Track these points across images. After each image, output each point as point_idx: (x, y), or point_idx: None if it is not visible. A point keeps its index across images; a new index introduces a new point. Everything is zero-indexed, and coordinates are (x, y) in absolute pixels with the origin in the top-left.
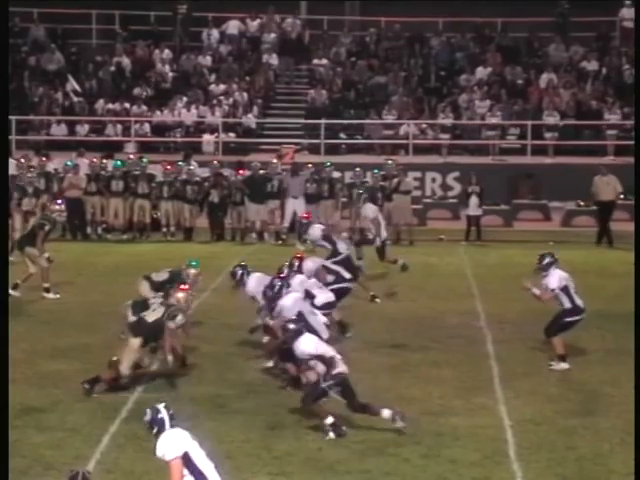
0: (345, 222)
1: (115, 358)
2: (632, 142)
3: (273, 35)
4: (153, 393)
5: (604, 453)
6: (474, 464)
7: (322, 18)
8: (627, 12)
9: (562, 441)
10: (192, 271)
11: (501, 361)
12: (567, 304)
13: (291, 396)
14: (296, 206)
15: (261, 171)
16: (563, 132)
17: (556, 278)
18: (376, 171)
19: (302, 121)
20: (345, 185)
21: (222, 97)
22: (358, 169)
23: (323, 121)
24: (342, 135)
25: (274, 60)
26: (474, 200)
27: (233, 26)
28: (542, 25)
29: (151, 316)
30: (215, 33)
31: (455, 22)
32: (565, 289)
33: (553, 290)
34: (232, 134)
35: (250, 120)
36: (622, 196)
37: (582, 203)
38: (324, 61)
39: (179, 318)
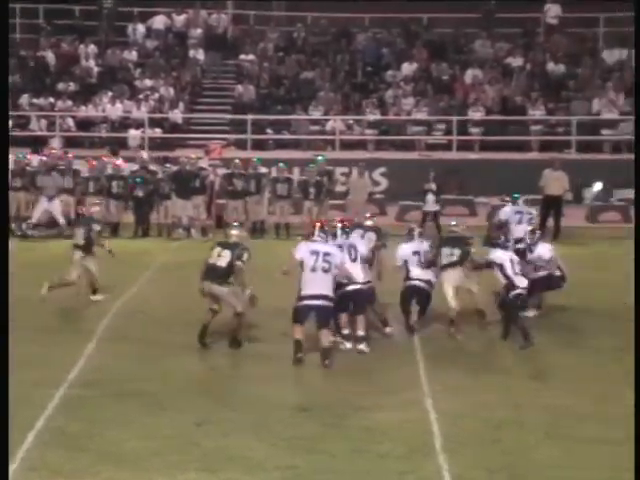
0: (271, 218)
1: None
2: (556, 137)
3: (200, 30)
4: (79, 389)
5: (529, 446)
6: (401, 458)
7: (249, 13)
8: (551, 8)
9: (488, 434)
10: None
11: (427, 355)
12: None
13: (220, 392)
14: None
15: (188, 167)
16: (488, 128)
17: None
18: (312, 165)
19: (229, 116)
20: (271, 180)
21: (148, 92)
22: (281, 164)
23: (250, 116)
24: (269, 130)
25: (201, 55)
26: (430, 197)
27: (159, 21)
28: (468, 21)
29: (221, 261)
30: (141, 28)
31: (381, 18)
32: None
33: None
34: (158, 129)
35: (176, 115)
36: (569, 193)
37: (507, 198)
38: (251, 56)
39: (245, 256)
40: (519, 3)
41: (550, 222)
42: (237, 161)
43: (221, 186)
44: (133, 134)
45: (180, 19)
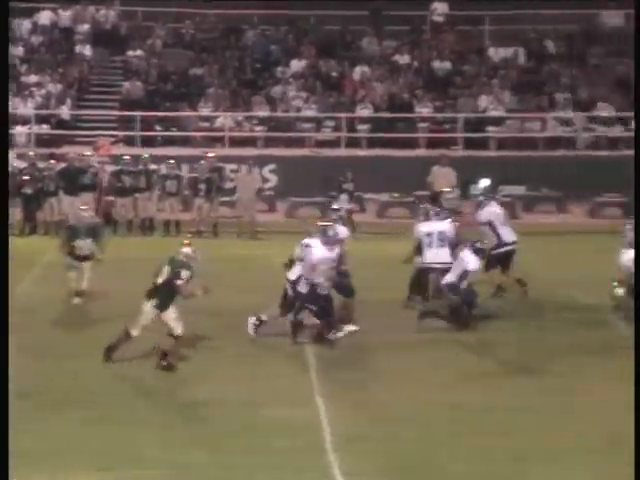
0: (160, 215)
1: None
2: (443, 134)
3: (87, 26)
4: None
5: (420, 441)
6: (292, 455)
7: (137, 9)
8: (438, 6)
9: (379, 431)
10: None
11: (319, 353)
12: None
13: (114, 391)
14: None
15: (76, 163)
16: (376, 124)
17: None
18: (202, 163)
19: (117, 113)
20: (160, 177)
21: (34, 88)
22: (172, 161)
23: (138, 113)
24: (158, 127)
25: (88, 51)
26: (344, 196)
27: (45, 16)
28: (355, 19)
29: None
30: (26, 23)
31: (270, 15)
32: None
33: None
34: (45, 126)
35: (64, 112)
36: (455, 190)
37: (396, 195)
38: (139, 52)
39: (184, 274)
40: (407, 1)
41: None
42: (126, 158)
43: (109, 183)
44: (19, 131)
45: (66, 14)
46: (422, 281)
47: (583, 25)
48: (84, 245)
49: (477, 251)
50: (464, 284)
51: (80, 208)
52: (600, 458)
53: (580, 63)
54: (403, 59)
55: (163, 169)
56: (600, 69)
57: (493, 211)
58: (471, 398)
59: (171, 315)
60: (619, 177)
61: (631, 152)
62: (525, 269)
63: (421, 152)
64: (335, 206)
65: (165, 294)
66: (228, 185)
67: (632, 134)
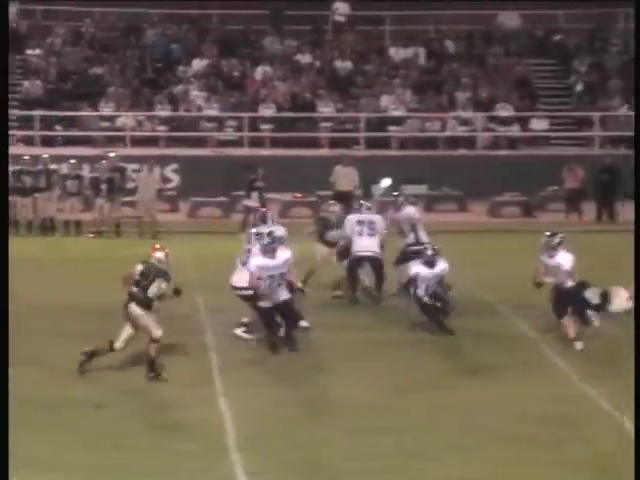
0: (61, 214)
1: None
2: (345, 134)
3: None
4: None
5: (323, 439)
6: (197, 455)
7: (35, 8)
8: (339, 6)
9: (281, 430)
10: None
11: (221, 352)
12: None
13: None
14: None
15: None
16: (279, 124)
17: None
18: (103, 163)
19: (16, 112)
20: (61, 177)
21: None
22: (73, 161)
23: (38, 112)
24: (58, 127)
25: None
26: (255, 194)
27: None
28: (257, 18)
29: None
30: None
31: (171, 14)
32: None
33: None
34: None
35: None
36: (358, 189)
37: (299, 194)
38: (38, 51)
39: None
40: (308, 1)
41: None
42: (26, 157)
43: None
44: None
45: None
46: (354, 271)
47: (482, 26)
48: None
49: (427, 262)
50: (421, 289)
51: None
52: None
53: (479, 63)
54: (305, 59)
55: (64, 169)
56: (499, 69)
57: (413, 213)
58: (366, 397)
59: (152, 318)
60: (518, 177)
61: (530, 152)
62: None
63: (324, 152)
64: (246, 203)
65: (143, 299)
66: (130, 185)
67: (530, 134)
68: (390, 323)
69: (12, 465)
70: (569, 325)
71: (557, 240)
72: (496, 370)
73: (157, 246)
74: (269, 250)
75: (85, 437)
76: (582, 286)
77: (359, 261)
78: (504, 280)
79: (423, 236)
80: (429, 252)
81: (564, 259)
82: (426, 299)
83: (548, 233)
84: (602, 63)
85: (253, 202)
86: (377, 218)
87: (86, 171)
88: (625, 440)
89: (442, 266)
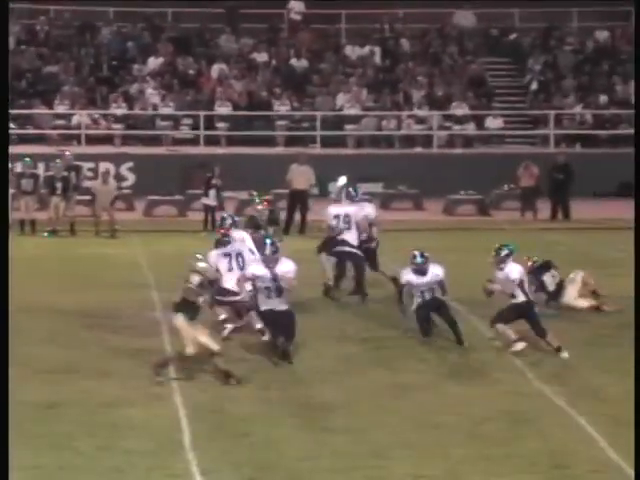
0: (16, 213)
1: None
2: (301, 132)
3: None
4: None
5: (278, 439)
6: (149, 454)
7: None
8: (295, 4)
9: (236, 428)
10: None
11: (176, 350)
12: (521, 297)
13: None
14: None
15: None
16: (235, 122)
17: (516, 270)
18: (58, 161)
19: None
20: (16, 175)
21: None
22: (28, 159)
23: None
24: (12, 125)
25: None
26: (213, 192)
27: None
28: (213, 16)
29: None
30: None
31: (126, 12)
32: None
33: (514, 281)
34: None
35: None
36: (315, 187)
37: (255, 193)
38: None
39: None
40: (263, 0)
41: (297, 216)
42: None
43: None
44: None
45: None
46: (340, 267)
47: (437, 24)
48: None
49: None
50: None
51: None
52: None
53: (435, 62)
54: (261, 57)
55: (18, 167)
56: (454, 68)
57: (370, 211)
58: (324, 397)
59: (204, 332)
60: (474, 175)
61: (484, 150)
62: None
63: (279, 150)
64: (204, 201)
65: (191, 309)
66: (85, 184)
67: (485, 132)
68: (348, 323)
69: None
70: (504, 330)
71: (504, 252)
72: (453, 369)
73: (199, 256)
74: (272, 260)
75: (32, 437)
76: (546, 266)
77: (339, 256)
78: (459, 278)
79: (375, 233)
80: (418, 260)
81: (512, 270)
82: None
83: (497, 246)
84: (556, 62)
85: (211, 200)
86: (353, 210)
87: (41, 170)
88: (577, 436)
89: (434, 273)
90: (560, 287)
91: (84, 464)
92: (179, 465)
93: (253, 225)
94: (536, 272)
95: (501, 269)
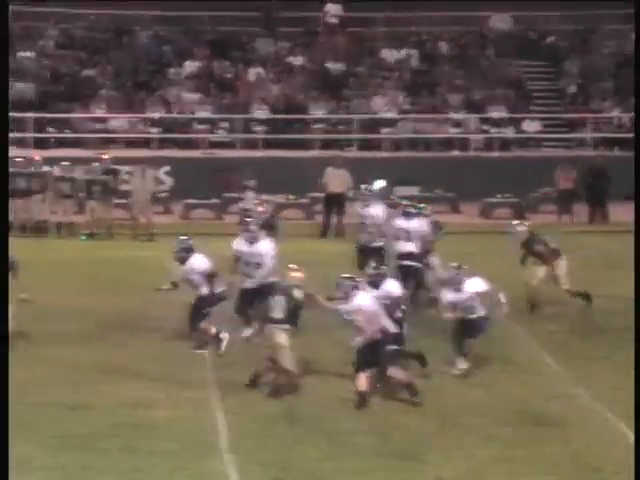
0: (54, 217)
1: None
2: (337, 135)
3: None
4: None
5: (301, 440)
6: (173, 455)
7: (28, 10)
8: (331, 8)
9: (269, 429)
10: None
11: (213, 353)
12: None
13: None
14: None
15: None
16: (271, 126)
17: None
18: (96, 165)
19: (9, 114)
20: (54, 179)
21: None
22: (66, 163)
23: (31, 114)
24: (50, 129)
25: None
26: (249, 194)
27: None
28: (249, 20)
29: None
30: None
31: (163, 16)
32: None
33: None
34: None
35: None
36: (351, 191)
37: (292, 196)
38: (30, 53)
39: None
40: (300, 2)
41: (333, 220)
42: (19, 160)
43: None
44: None
45: None
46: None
47: (474, 27)
48: None
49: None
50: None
51: None
52: None
53: (472, 65)
54: (297, 60)
55: (57, 171)
56: (492, 71)
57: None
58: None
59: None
60: (510, 178)
61: (521, 153)
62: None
63: (315, 153)
64: (241, 205)
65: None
66: (122, 187)
67: (522, 135)
68: None
69: None
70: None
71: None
72: (484, 370)
73: (293, 266)
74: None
75: (57, 437)
76: None
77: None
78: (497, 281)
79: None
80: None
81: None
82: None
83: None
84: (594, 65)
85: (248, 204)
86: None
87: (79, 173)
88: (603, 438)
89: (387, 289)
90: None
91: (108, 465)
92: (203, 466)
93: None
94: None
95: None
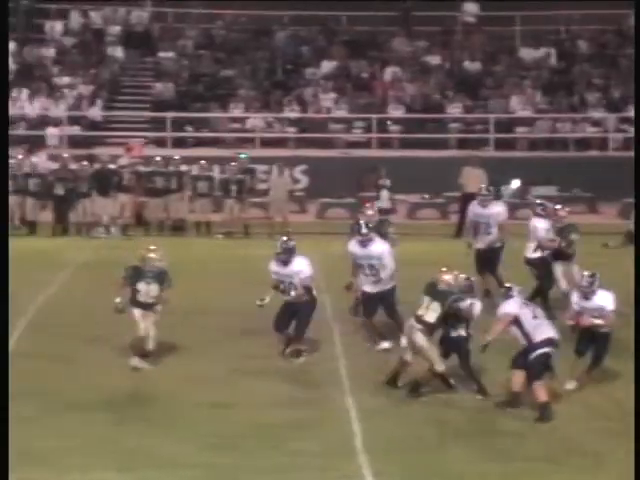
0: (191, 215)
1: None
2: (473, 135)
3: (118, 27)
4: None
5: (446, 442)
6: (318, 455)
7: (167, 11)
8: (469, 7)
9: (407, 431)
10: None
11: (348, 354)
12: None
13: (137, 392)
14: None
15: (111, 165)
16: (407, 125)
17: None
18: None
19: (148, 114)
20: (192, 178)
21: (66, 90)
22: (203, 162)
23: (169, 114)
24: (189, 128)
25: (119, 53)
26: (385, 193)
27: (76, 18)
28: (386, 19)
29: (429, 316)
30: (58, 25)
31: (301, 16)
32: None
33: None
34: (77, 127)
35: (95, 113)
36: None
37: (427, 196)
38: (170, 54)
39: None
40: (437, 2)
41: None
42: (158, 159)
43: (141, 184)
44: (51, 132)
45: (98, 16)
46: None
47: (613, 26)
48: (148, 290)
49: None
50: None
51: (148, 249)
52: None
53: (611, 64)
54: (434, 60)
55: (194, 170)
56: (631, 70)
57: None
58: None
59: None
60: None
61: None
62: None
63: (452, 153)
64: (377, 205)
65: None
66: (259, 186)
67: None
68: None
69: (136, 462)
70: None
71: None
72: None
73: (444, 268)
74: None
75: (204, 436)
76: None
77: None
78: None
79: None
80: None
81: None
82: None
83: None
84: None
85: (384, 203)
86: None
87: (216, 172)
88: None
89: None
90: None
91: (255, 464)
92: (350, 467)
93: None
94: None
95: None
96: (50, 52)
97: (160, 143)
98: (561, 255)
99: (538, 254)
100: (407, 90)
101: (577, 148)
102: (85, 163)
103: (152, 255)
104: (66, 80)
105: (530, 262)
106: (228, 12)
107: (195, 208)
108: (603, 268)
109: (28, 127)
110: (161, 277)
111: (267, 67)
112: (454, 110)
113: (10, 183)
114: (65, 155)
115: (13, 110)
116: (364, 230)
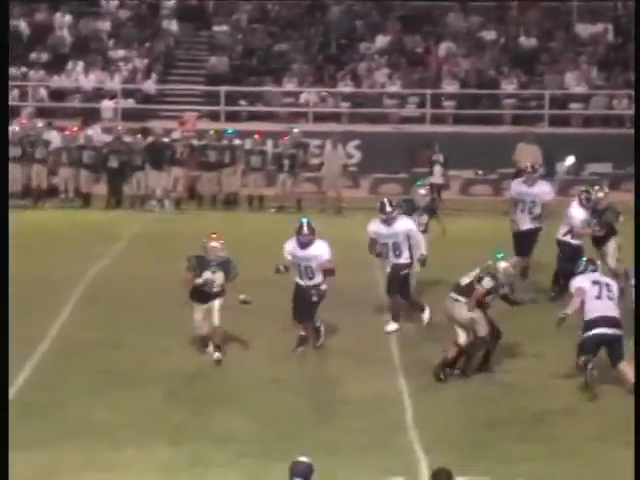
0: (244, 189)
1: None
2: (528, 111)
3: (173, 1)
4: (51, 361)
5: (497, 421)
6: (368, 431)
7: None
8: None
9: (459, 408)
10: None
11: (400, 328)
12: None
13: (190, 367)
14: None
15: (165, 139)
16: (461, 101)
17: None
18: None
19: (202, 88)
20: (245, 152)
21: (121, 63)
22: (256, 136)
23: (223, 88)
24: (242, 102)
25: (174, 26)
26: (438, 169)
27: None
28: None
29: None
30: None
31: None
32: None
33: None
34: (131, 100)
35: (149, 86)
36: (542, 167)
37: (480, 172)
38: (224, 28)
39: (486, 281)
40: None
41: None
42: (211, 133)
43: (194, 158)
44: (106, 105)
45: None
46: None
47: None
48: (214, 279)
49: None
50: None
51: (210, 237)
52: None
53: None
54: (489, 35)
55: (247, 144)
56: None
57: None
58: (545, 381)
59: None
60: None
61: None
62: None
63: (505, 129)
64: (430, 180)
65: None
66: (312, 161)
67: None
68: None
69: (189, 436)
70: None
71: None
72: None
73: (501, 255)
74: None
75: (253, 411)
76: None
77: None
78: None
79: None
80: None
81: None
82: None
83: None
84: None
85: (437, 178)
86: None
87: (269, 146)
88: None
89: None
90: None
91: (307, 437)
92: (401, 442)
93: (408, 208)
94: None
95: None
96: (105, 25)
97: (214, 117)
98: (600, 238)
99: (568, 238)
100: (462, 65)
101: (632, 125)
102: (139, 136)
103: (214, 244)
104: (121, 53)
105: (559, 243)
106: None
107: (248, 182)
108: None
109: (83, 100)
110: (226, 266)
111: (321, 41)
112: (509, 86)
113: (64, 155)
114: (119, 128)
115: (69, 83)
116: (388, 208)
